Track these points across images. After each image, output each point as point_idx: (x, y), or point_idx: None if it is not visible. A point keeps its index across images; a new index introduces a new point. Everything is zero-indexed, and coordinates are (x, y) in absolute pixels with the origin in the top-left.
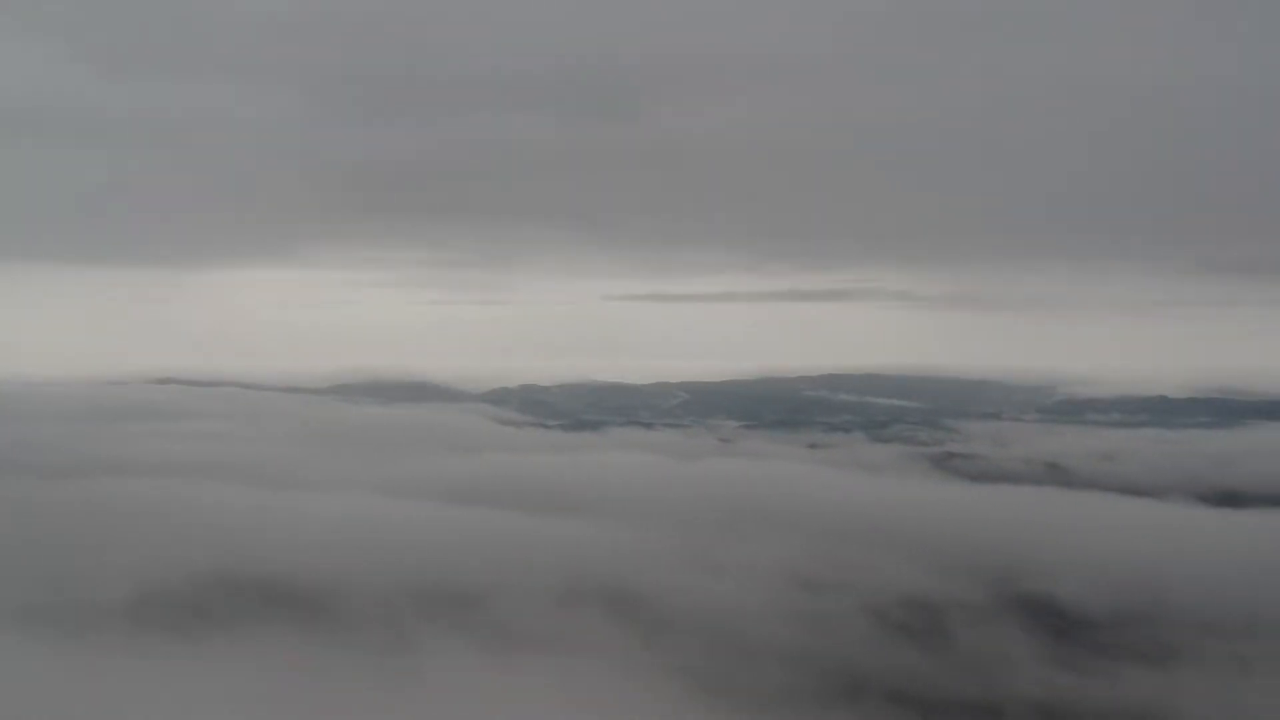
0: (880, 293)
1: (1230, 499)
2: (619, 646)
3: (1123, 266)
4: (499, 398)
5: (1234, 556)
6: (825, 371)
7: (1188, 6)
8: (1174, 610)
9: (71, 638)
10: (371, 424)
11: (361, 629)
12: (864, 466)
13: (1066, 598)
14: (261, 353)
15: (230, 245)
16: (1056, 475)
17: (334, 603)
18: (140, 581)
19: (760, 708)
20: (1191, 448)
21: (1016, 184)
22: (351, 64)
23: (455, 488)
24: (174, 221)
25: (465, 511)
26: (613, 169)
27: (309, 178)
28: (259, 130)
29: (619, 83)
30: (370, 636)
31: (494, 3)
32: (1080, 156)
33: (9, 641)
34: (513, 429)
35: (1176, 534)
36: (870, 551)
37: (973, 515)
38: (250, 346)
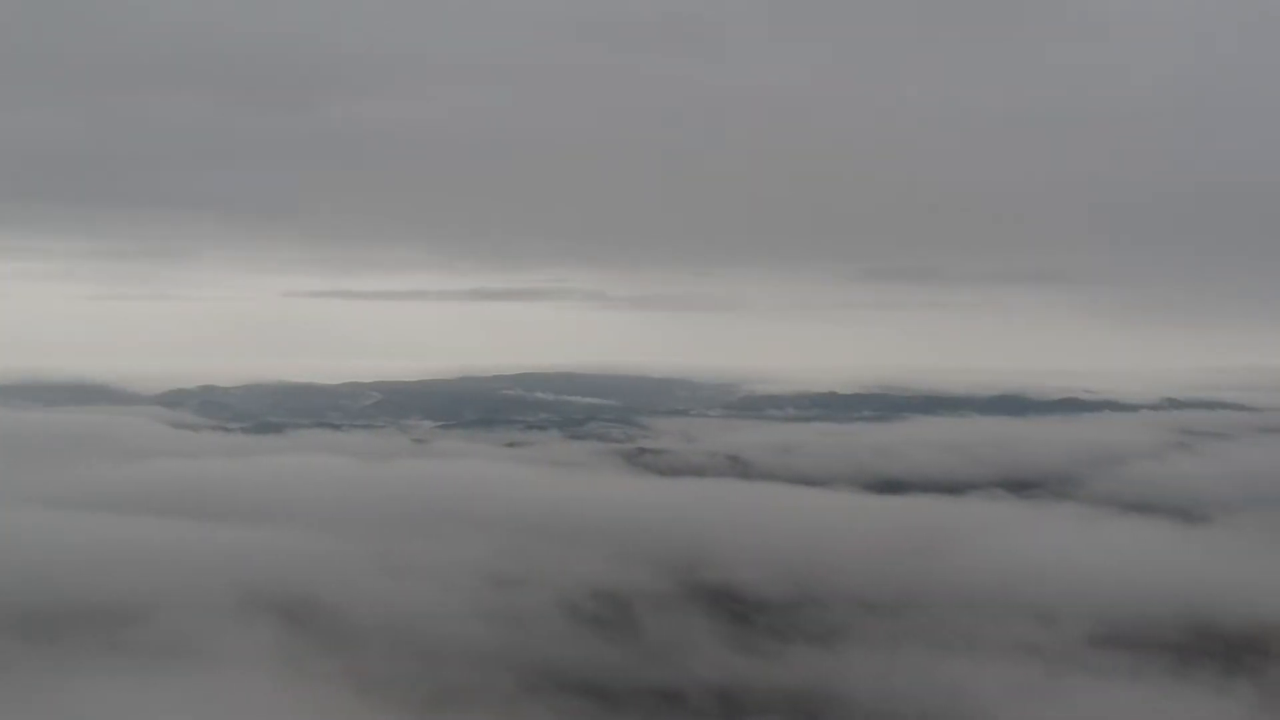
0: (573, 292)
1: (891, 486)
2: (297, 657)
3: (797, 271)
4: (174, 400)
5: (893, 539)
6: (522, 370)
7: (869, 24)
8: (840, 591)
9: None
10: (29, 429)
11: (8, 652)
12: (560, 464)
13: (746, 584)
14: None
15: None
16: (738, 468)
17: None
18: None
19: (448, 710)
20: (858, 440)
21: (700, 190)
22: None
23: (123, 497)
24: None
25: (132, 522)
26: (293, 161)
27: None
28: None
29: (299, 71)
30: (18, 659)
31: None
32: (762, 167)
33: None
34: (189, 433)
35: (844, 519)
36: (564, 547)
37: (662, 508)
38: None
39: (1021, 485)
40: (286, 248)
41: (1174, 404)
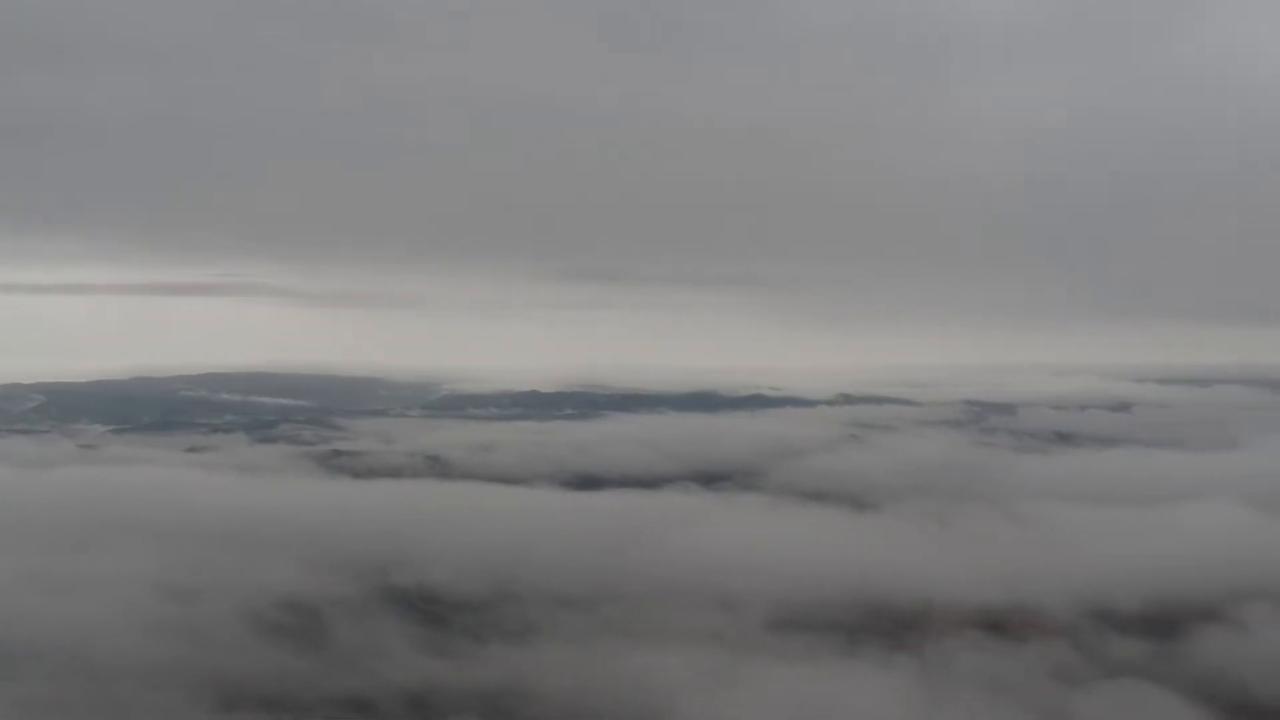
0: (258, 288)
1: (589, 483)
2: None
3: (494, 270)
4: None
5: (590, 534)
6: (205, 370)
7: (567, 25)
8: (537, 588)
9: None
10: None
11: None
12: (246, 468)
13: (442, 585)
14: None
15: None
16: (437, 468)
17: None
18: None
19: None
20: (558, 437)
21: (394, 185)
22: None
23: None
24: None
25: None
26: None
27: None
28: None
29: None
30: None
31: None
32: (458, 164)
33: None
34: None
35: (543, 517)
36: (249, 555)
37: (356, 512)
38: None
39: (712, 478)
40: None
41: (848, 400)
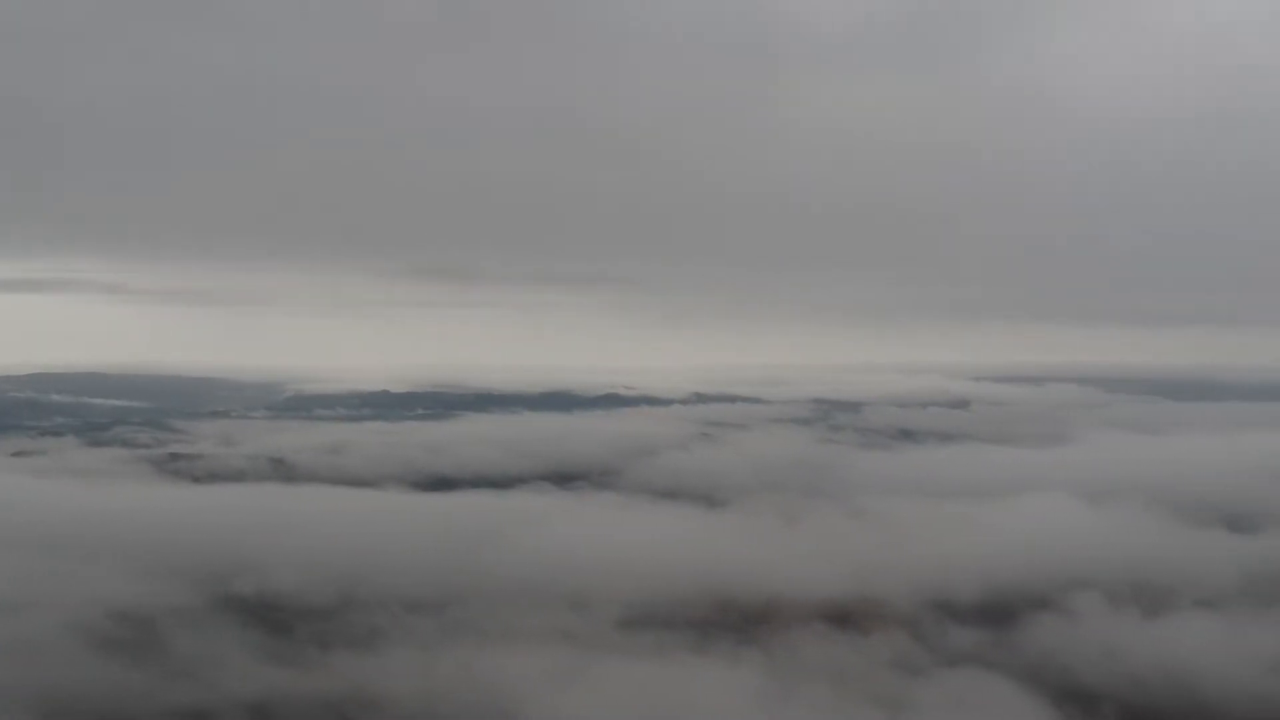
0: (87, 284)
1: (441, 484)
2: None
3: (344, 267)
4: None
5: (441, 537)
6: (33, 370)
7: (410, 20)
8: (385, 592)
9: None
10: None
11: None
12: (77, 473)
13: (285, 592)
14: None
15: None
16: (282, 471)
17: None
18: None
19: None
20: (409, 438)
21: (230, 179)
22: None
23: None
24: None
25: None
26: None
27: None
28: None
29: None
30: None
31: None
32: (298, 158)
33: None
34: None
35: (392, 520)
36: (79, 565)
37: (194, 517)
38: None
39: (566, 478)
40: None
41: (701, 398)
